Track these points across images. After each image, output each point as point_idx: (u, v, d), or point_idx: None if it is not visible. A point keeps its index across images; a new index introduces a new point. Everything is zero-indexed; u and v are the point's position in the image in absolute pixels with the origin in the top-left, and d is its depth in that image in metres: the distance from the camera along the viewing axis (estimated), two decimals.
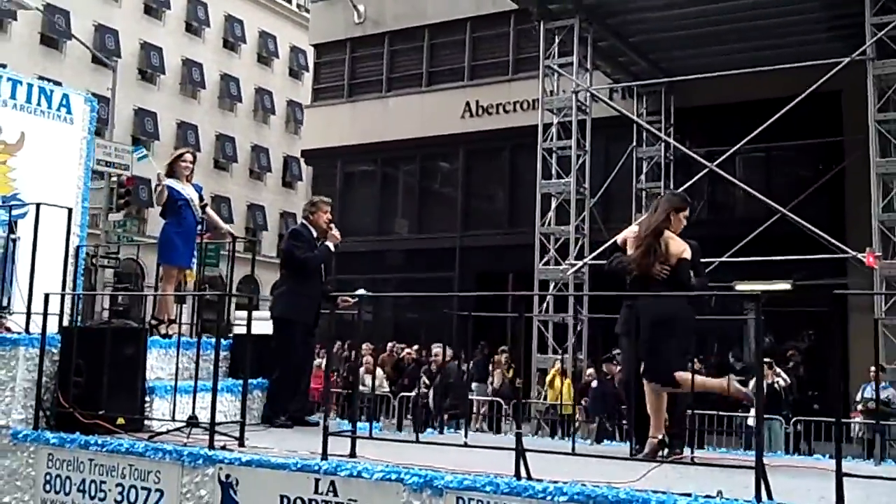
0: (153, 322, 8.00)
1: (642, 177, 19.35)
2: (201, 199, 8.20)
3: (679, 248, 6.02)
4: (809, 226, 14.61)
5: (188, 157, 8.29)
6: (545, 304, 15.54)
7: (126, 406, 6.55)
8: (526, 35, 20.65)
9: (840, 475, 4.19)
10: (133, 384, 6.66)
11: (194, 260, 8.52)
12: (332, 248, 7.72)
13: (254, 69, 42.87)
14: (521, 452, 4.76)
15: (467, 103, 21.85)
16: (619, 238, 6.37)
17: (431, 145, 22.35)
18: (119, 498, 6.02)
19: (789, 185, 19.12)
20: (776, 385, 12.49)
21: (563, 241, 15.94)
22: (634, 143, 19.19)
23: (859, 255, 12.86)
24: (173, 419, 6.42)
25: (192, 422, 6.26)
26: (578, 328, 15.30)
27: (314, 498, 5.23)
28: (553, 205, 15.85)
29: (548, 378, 14.46)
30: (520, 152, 20.32)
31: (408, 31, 23.16)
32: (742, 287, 15.67)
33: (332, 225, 7.78)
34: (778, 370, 12.70)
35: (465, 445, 6.19)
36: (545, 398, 14.44)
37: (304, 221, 7.85)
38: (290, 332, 7.53)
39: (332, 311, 6.99)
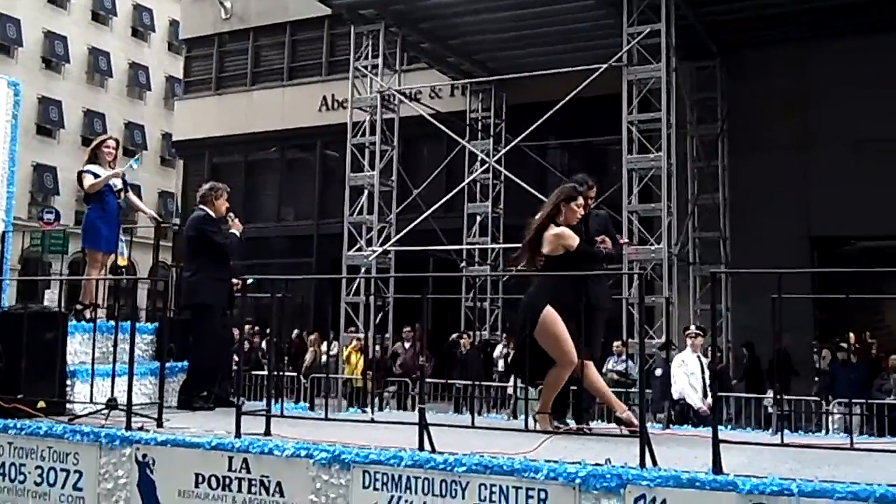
0: (78, 307, 7.96)
1: (476, 167, 20.62)
2: (125, 184, 8.24)
3: (562, 240, 6.19)
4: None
5: (111, 143, 8.26)
6: (353, 287, 16.79)
7: (46, 390, 6.56)
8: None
9: (716, 441, 4.50)
10: (53, 368, 6.64)
11: (122, 245, 8.68)
12: (238, 234, 7.81)
13: (164, 57, 43.57)
14: (424, 426, 5.01)
15: (324, 97, 23.03)
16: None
17: (292, 137, 23.59)
18: (38, 480, 6.08)
19: (613, 176, 20.57)
20: None
21: (378, 229, 17.20)
22: (468, 137, 20.47)
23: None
24: (91, 401, 6.47)
25: (111, 404, 6.36)
26: (386, 309, 16.62)
27: (228, 475, 5.37)
28: (364, 196, 17.06)
29: (344, 354, 15.77)
30: None
31: (271, 27, 24.30)
32: None
33: (232, 213, 7.84)
34: None
35: (372, 422, 6.51)
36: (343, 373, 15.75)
37: (204, 206, 7.74)
38: (211, 317, 7.56)
39: (244, 295, 6.96)
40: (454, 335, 16.00)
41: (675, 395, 11.56)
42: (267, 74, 24.52)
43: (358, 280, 16.40)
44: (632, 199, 14.72)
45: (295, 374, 16.52)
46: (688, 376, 11.58)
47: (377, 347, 15.08)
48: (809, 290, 15.27)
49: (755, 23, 17.50)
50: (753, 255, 17.34)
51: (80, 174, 8.12)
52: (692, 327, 12.51)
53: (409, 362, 14.89)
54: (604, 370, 14.55)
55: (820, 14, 17.03)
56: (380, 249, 16.22)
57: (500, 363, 15.80)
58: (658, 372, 12.85)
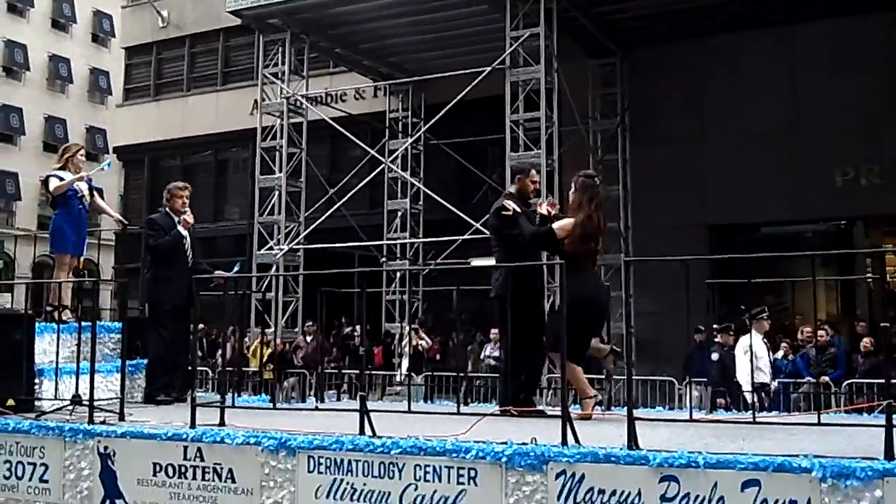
0: (48, 308, 8.35)
1: (397, 165, 21.42)
2: (90, 189, 8.64)
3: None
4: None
5: (83, 151, 8.78)
6: (264, 284, 17.59)
7: (15, 388, 6.94)
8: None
9: (631, 419, 4.89)
10: (20, 367, 6.99)
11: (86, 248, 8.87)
12: (184, 232, 8.18)
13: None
14: (365, 412, 5.42)
15: (255, 101, 23.71)
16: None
17: (225, 140, 24.39)
18: (7, 474, 6.46)
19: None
20: (419, 347, 14.77)
21: (289, 229, 18.00)
22: (387, 137, 21.28)
23: None
24: (56, 398, 6.94)
25: (75, 400, 6.70)
26: (295, 305, 17.47)
27: (183, 463, 5.76)
28: (275, 197, 17.88)
29: (251, 348, 16.59)
30: None
31: (205, 34, 25.10)
32: (476, 262, 17.98)
33: (188, 209, 8.28)
34: (422, 334, 14.97)
35: (317, 409, 6.88)
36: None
37: (165, 208, 8.36)
38: (159, 314, 8.13)
39: (198, 293, 7.39)
40: (348, 328, 16.83)
41: (743, 382, 11.26)
42: (202, 80, 25.36)
43: (269, 278, 17.17)
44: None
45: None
46: (757, 359, 11.02)
47: (278, 342, 15.87)
48: (708, 277, 16.07)
49: (649, 20, 18.23)
50: (653, 244, 18.10)
51: (47, 178, 8.52)
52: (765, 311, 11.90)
53: (311, 355, 15.67)
54: (482, 356, 15.41)
55: (710, 10, 17.74)
56: (286, 248, 17.03)
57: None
58: (714, 356, 12.63)
